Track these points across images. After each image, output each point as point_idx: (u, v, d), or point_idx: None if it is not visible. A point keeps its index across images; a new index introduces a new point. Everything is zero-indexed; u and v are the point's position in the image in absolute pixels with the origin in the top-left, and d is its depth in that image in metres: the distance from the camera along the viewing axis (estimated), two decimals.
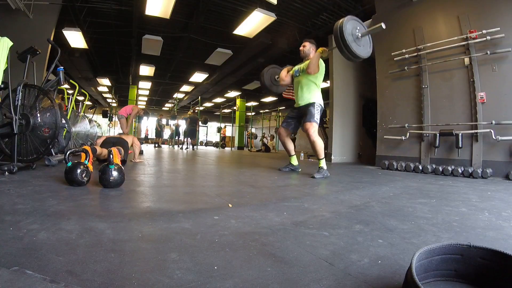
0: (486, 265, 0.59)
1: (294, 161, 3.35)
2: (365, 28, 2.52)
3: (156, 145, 11.64)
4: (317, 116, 2.95)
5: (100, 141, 3.36)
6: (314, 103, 2.99)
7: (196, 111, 11.91)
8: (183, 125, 11.80)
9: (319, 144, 2.95)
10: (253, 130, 16.56)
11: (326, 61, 5.86)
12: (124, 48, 8.64)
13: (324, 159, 2.96)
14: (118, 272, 0.63)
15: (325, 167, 2.88)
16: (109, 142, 3.29)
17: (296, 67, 3.20)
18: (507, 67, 3.33)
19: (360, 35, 2.43)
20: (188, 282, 0.60)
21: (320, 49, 2.89)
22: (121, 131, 6.35)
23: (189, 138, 10.38)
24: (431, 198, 1.80)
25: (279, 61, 8.44)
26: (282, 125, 3.33)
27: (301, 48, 3.18)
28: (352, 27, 2.40)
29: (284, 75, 3.26)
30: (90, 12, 6.41)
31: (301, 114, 3.10)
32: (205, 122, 13.34)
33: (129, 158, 3.82)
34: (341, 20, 2.36)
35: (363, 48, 2.49)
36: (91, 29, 7.08)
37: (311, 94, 3.02)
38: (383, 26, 2.34)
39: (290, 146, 3.36)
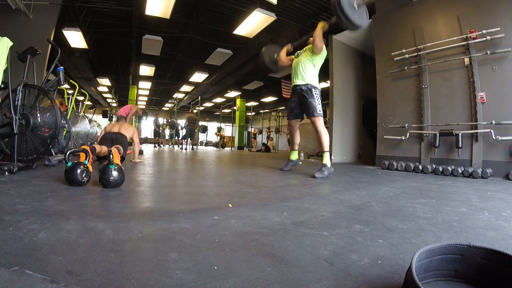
0: (486, 265, 0.59)
1: (294, 156, 3.33)
2: None
3: (156, 145, 11.64)
4: (319, 107, 2.96)
5: (99, 138, 3.35)
6: (311, 89, 2.98)
7: (194, 111, 11.99)
8: (182, 125, 11.85)
9: (325, 135, 2.95)
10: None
11: (326, 61, 5.86)
12: (124, 48, 8.64)
13: (328, 153, 2.94)
14: (118, 272, 0.63)
15: (328, 164, 2.85)
16: (108, 139, 3.27)
17: (299, 51, 3.21)
18: (507, 67, 3.32)
19: (357, 5, 2.51)
20: (188, 282, 0.60)
21: (321, 23, 2.91)
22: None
23: (188, 138, 10.49)
24: (431, 198, 1.80)
25: None
26: (290, 118, 3.27)
27: (310, 39, 3.20)
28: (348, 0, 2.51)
29: (283, 56, 3.31)
30: (90, 12, 6.42)
31: (300, 101, 3.08)
32: (203, 131, 13.33)
33: (129, 158, 3.82)
34: None
35: (361, 18, 2.59)
36: (91, 29, 7.08)
37: (308, 74, 3.03)
38: None
39: (298, 139, 3.35)
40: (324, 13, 6.27)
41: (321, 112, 2.97)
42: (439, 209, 1.47)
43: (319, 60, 3.05)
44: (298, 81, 3.07)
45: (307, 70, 3.04)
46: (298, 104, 3.15)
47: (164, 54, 8.59)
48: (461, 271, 0.62)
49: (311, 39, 3.22)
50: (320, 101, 3.01)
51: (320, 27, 2.90)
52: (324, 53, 3.03)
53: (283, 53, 3.33)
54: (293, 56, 3.28)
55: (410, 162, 3.93)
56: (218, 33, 7.23)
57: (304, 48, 3.16)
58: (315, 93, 2.98)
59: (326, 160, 2.88)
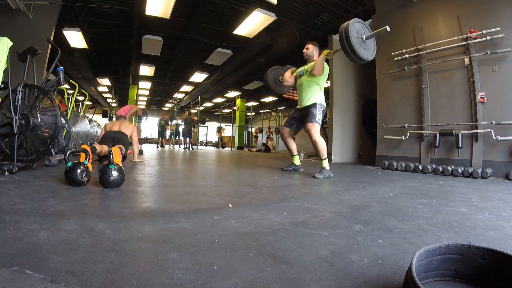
0: (486, 265, 0.59)
1: (297, 160, 3.35)
2: (370, 31, 2.51)
3: (158, 145, 11.64)
4: (318, 116, 2.97)
5: (100, 136, 3.36)
6: (316, 103, 2.99)
7: (191, 113, 12.08)
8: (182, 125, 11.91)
9: (321, 144, 2.94)
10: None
11: (326, 61, 5.86)
12: (124, 48, 8.64)
13: (327, 159, 2.96)
14: (118, 272, 0.63)
15: (327, 167, 2.87)
16: (109, 138, 3.28)
17: (300, 69, 3.21)
18: (507, 67, 3.33)
19: (365, 38, 2.42)
20: (188, 282, 0.60)
21: (325, 52, 2.91)
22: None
23: (187, 138, 10.61)
24: (431, 198, 1.80)
25: (279, 61, 8.49)
26: (285, 125, 3.34)
27: (304, 50, 3.20)
28: (357, 30, 2.40)
29: (288, 76, 3.28)
30: (90, 12, 6.41)
31: (304, 115, 3.10)
32: (202, 122, 13.45)
33: (129, 158, 3.82)
34: (346, 23, 2.35)
35: (368, 51, 2.51)
36: (91, 29, 7.08)
37: (313, 95, 3.03)
38: (388, 29, 2.35)
39: (293, 146, 3.36)
40: (324, 13, 6.28)
41: (319, 121, 2.96)
42: (439, 209, 1.47)
43: (322, 78, 3.04)
44: (304, 104, 3.07)
45: (312, 92, 3.03)
46: (298, 118, 3.19)
47: (164, 54, 8.59)
48: (461, 271, 0.62)
49: (308, 49, 3.17)
50: (321, 114, 3.01)
51: (324, 54, 2.89)
52: (326, 72, 2.99)
53: (288, 73, 3.30)
54: (295, 73, 3.25)
55: (410, 162, 3.93)
56: (218, 33, 7.22)
57: (306, 68, 3.12)
58: (318, 106, 2.99)
59: (325, 164, 2.91)
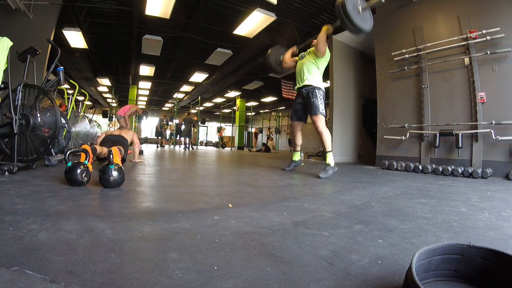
0: (486, 265, 0.59)
1: (297, 156, 3.34)
2: (365, 3, 2.58)
3: (158, 145, 11.65)
4: (321, 106, 2.95)
5: (99, 139, 3.36)
6: (315, 89, 2.98)
7: (190, 113, 12.15)
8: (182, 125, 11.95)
9: (326, 135, 2.93)
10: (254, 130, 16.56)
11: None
12: (124, 48, 8.64)
13: (332, 152, 2.93)
14: (118, 272, 0.63)
15: (332, 163, 2.85)
16: (109, 141, 3.28)
17: (303, 53, 3.22)
18: (507, 67, 3.33)
19: (361, 9, 2.47)
20: (188, 282, 0.60)
21: (325, 27, 2.90)
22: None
23: (187, 138, 10.66)
24: (431, 198, 1.80)
25: None
26: (293, 119, 3.29)
27: (314, 41, 3.19)
28: (353, 2, 2.45)
29: (288, 58, 3.30)
30: (90, 12, 6.41)
31: (304, 103, 3.08)
32: (203, 122, 13.49)
33: (129, 158, 3.82)
34: None
35: (365, 22, 2.54)
36: (91, 29, 7.08)
37: (312, 76, 3.03)
38: None
39: (299, 140, 3.35)
40: (324, 13, 6.27)
41: (323, 112, 2.96)
42: (439, 209, 1.47)
43: (323, 62, 3.05)
44: (303, 83, 3.07)
45: (311, 72, 3.04)
46: (303, 106, 3.16)
47: (164, 54, 8.59)
48: (461, 271, 0.62)
49: (315, 41, 3.21)
50: (323, 102, 3.01)
51: (324, 30, 2.89)
52: (327, 56, 3.02)
53: (287, 54, 3.32)
54: (297, 58, 3.26)
55: (410, 162, 3.93)
56: (218, 33, 7.22)
57: (308, 50, 3.14)
58: (319, 94, 2.98)
59: (330, 159, 2.88)
